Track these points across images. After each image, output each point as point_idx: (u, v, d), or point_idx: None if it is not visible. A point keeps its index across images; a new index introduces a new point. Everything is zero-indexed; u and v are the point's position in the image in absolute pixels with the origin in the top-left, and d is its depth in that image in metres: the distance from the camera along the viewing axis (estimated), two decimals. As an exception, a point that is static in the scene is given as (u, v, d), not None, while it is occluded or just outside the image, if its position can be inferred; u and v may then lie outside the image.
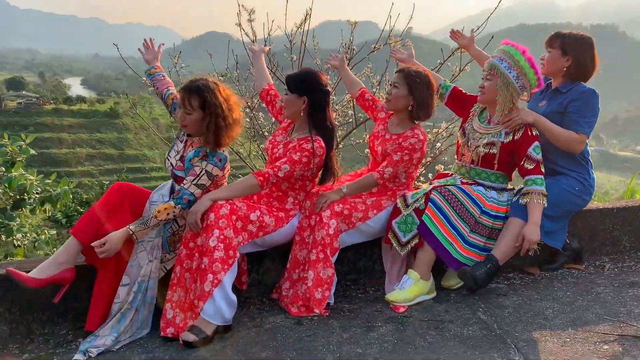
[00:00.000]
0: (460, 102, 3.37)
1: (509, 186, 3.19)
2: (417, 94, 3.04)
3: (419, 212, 2.97)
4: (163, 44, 3.37)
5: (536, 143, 2.97)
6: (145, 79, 3.42)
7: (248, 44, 4.23)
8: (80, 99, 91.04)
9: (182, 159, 2.89)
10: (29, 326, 2.87)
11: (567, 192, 3.10)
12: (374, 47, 4.23)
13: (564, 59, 3.16)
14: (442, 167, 3.94)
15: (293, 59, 4.26)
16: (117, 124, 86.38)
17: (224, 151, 2.87)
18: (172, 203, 2.71)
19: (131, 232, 2.63)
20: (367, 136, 4.30)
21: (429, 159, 4.47)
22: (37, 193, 3.65)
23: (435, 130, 4.47)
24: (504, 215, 3.05)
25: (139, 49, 3.30)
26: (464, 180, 3.14)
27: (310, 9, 4.21)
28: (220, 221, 2.69)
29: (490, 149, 3.05)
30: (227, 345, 2.60)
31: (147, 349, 2.63)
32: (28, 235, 3.74)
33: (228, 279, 2.68)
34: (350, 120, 4.63)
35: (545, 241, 3.05)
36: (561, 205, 3.09)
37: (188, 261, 2.76)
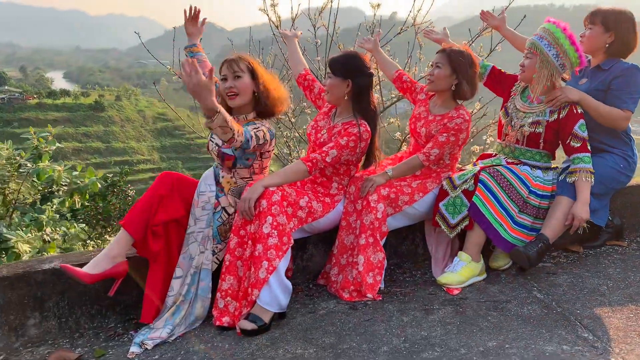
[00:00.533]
0: (499, 82, 3.34)
1: (552, 165, 3.18)
2: (461, 73, 3.00)
3: (468, 193, 2.95)
4: (206, 19, 3.22)
5: (581, 121, 2.96)
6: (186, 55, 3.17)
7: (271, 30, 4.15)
8: (64, 93, 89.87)
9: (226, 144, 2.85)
10: (77, 320, 2.82)
11: (613, 169, 3.10)
12: (401, 29, 4.19)
13: (606, 35, 3.13)
14: (477, 147, 3.93)
15: (318, 44, 4.20)
16: (103, 117, 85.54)
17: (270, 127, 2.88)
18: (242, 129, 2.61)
19: (217, 110, 2.39)
20: (392, 120, 4.27)
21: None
22: (64, 185, 3.58)
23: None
24: (549, 194, 3.04)
25: (184, 12, 3.16)
26: (509, 160, 3.13)
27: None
28: (272, 208, 2.65)
29: (535, 128, 3.03)
30: (286, 331, 2.57)
31: (203, 339, 2.59)
32: (57, 229, 3.67)
33: (283, 265, 2.65)
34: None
35: (591, 219, 3.05)
36: (607, 182, 3.08)
37: (239, 249, 2.72)
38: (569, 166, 3.02)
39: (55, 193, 3.52)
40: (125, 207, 5.78)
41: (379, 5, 4.38)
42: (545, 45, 2.95)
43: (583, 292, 2.74)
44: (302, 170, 2.81)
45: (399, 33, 4.19)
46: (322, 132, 3.02)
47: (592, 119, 3.04)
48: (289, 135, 4.79)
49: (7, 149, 3.60)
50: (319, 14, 4.30)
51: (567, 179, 2.96)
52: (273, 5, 4.16)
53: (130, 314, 2.88)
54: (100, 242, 4.55)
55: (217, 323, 2.66)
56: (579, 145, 2.94)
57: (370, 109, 2.97)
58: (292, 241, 2.69)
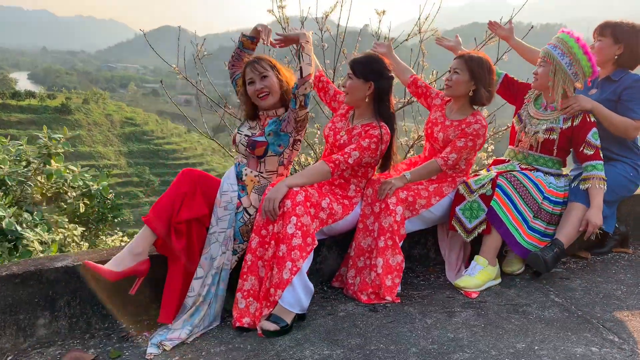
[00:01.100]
0: (512, 90, 3.39)
1: (564, 172, 3.24)
2: (479, 79, 3.04)
3: (485, 198, 2.97)
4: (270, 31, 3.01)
5: (594, 129, 3.03)
6: (240, 41, 2.98)
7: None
8: (30, 94, 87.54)
9: (258, 132, 2.88)
10: (88, 320, 2.73)
11: (623, 177, 3.18)
12: (408, 37, 4.23)
13: (615, 47, 3.22)
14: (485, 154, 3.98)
15: (324, 47, 4.20)
16: (69, 120, 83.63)
17: None
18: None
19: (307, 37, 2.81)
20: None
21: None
22: (73, 187, 3.46)
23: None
24: (562, 200, 3.09)
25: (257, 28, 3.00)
26: (523, 166, 3.17)
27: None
28: (297, 208, 2.63)
29: (550, 134, 3.08)
30: (309, 333, 2.54)
31: (223, 340, 2.54)
32: (59, 230, 3.55)
33: (306, 266, 2.63)
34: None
35: (601, 226, 3.11)
36: (617, 190, 3.16)
37: (261, 249, 2.68)
38: (581, 173, 3.08)
39: (65, 195, 3.41)
40: (104, 211, 5.65)
41: (384, 12, 4.42)
42: (558, 53, 3.01)
43: (599, 296, 2.79)
44: (325, 170, 2.79)
45: (406, 40, 4.23)
46: (340, 134, 3.01)
47: (603, 128, 3.11)
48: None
49: (18, 146, 3.49)
50: (325, 18, 4.30)
51: (581, 186, 3.02)
52: (281, 7, 4.15)
53: (143, 314, 2.81)
54: (89, 244, 4.43)
55: (237, 324, 2.61)
56: (592, 153, 3.01)
57: (390, 112, 2.98)
58: (317, 242, 2.67)
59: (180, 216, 2.59)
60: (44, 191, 3.37)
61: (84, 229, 3.75)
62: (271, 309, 2.58)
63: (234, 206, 2.73)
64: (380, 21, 4.36)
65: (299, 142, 2.94)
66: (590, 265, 3.25)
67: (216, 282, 2.68)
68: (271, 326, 2.52)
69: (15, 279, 2.57)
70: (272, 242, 2.64)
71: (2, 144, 3.76)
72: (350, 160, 2.82)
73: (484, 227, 2.97)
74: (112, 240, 4.26)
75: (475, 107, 3.15)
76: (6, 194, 3.46)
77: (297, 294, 2.58)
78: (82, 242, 3.84)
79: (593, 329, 2.44)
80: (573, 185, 3.09)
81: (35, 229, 3.45)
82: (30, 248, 2.83)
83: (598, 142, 3.02)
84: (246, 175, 2.84)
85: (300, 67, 2.72)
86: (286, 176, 2.96)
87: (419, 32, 4.27)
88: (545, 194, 3.05)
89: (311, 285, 2.65)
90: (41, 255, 3.46)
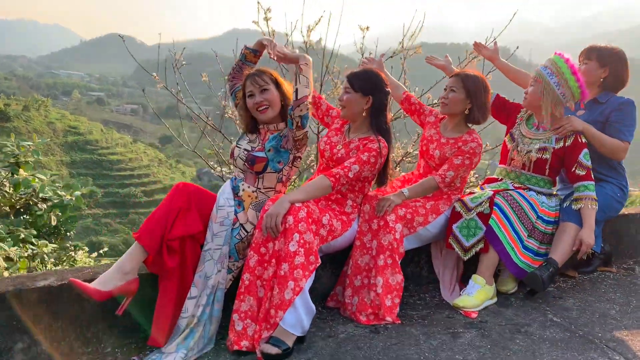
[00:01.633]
0: (504, 109, 3.42)
1: (554, 192, 3.28)
2: (475, 97, 3.04)
3: (483, 216, 2.96)
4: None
5: (585, 150, 3.08)
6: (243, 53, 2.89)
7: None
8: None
9: (258, 147, 2.78)
10: (70, 345, 2.53)
11: (611, 197, 3.25)
12: (393, 54, 4.22)
13: (601, 70, 3.31)
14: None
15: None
16: (7, 128, 79.94)
17: None
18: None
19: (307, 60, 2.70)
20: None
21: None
22: (43, 199, 3.22)
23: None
24: (554, 220, 3.12)
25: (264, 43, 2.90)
26: (516, 185, 3.19)
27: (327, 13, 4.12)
28: (299, 225, 2.53)
29: (543, 154, 3.12)
30: (311, 357, 2.44)
31: (221, 364, 2.40)
32: (26, 246, 3.28)
33: (308, 286, 2.53)
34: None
35: (589, 245, 3.16)
36: (605, 210, 3.22)
37: (260, 268, 2.56)
38: (571, 193, 3.12)
39: (34, 206, 3.16)
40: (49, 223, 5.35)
41: (367, 28, 4.41)
42: (547, 73, 3.06)
43: (595, 315, 2.81)
44: (326, 185, 2.71)
45: (391, 57, 4.22)
46: (337, 148, 2.95)
47: (592, 149, 3.17)
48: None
49: None
50: (309, 32, 4.25)
51: (573, 206, 3.05)
52: (266, 19, 4.06)
53: (130, 337, 2.63)
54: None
55: (235, 347, 2.47)
56: (584, 173, 3.05)
57: (387, 126, 2.94)
58: (320, 261, 2.57)
59: (174, 233, 2.44)
60: (13, 201, 3.12)
61: (56, 245, 3.50)
62: (271, 332, 2.46)
63: (230, 222, 2.60)
64: (363, 37, 4.34)
65: (299, 159, 2.85)
66: (580, 284, 3.29)
67: (211, 302, 2.54)
68: (272, 349, 2.40)
69: (-8, 301, 2.35)
70: (273, 260, 2.53)
71: None
72: (350, 174, 2.75)
73: (481, 245, 2.96)
74: (80, 257, 4.01)
75: (470, 126, 3.15)
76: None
77: (299, 315, 2.48)
78: (48, 260, 3.58)
79: (598, 349, 2.45)
80: (565, 205, 3.12)
81: (1, 244, 3.20)
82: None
83: (589, 163, 3.07)
84: (243, 190, 2.73)
85: (296, 89, 2.64)
86: (284, 193, 2.86)
87: (402, 50, 4.27)
88: (539, 214, 3.07)
89: (313, 306, 2.55)
90: (6, 274, 3.21)
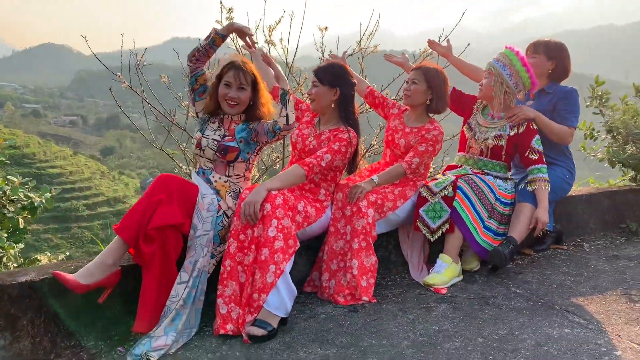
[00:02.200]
0: (460, 102, 3.63)
1: (509, 176, 3.51)
2: (435, 88, 3.24)
3: (447, 199, 3.15)
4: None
5: (537, 136, 3.32)
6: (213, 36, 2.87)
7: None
8: None
9: (227, 136, 2.85)
10: (53, 339, 2.53)
11: (561, 179, 3.51)
12: (349, 55, 4.38)
13: (549, 63, 3.58)
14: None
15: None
16: None
17: None
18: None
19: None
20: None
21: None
22: (12, 200, 3.16)
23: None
24: (510, 202, 3.35)
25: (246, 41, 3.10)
26: (475, 170, 3.40)
27: (289, 13, 4.24)
28: (277, 211, 2.63)
29: (498, 141, 3.34)
30: (296, 336, 2.54)
31: (208, 349, 2.46)
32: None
33: (289, 268, 2.63)
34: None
35: (543, 224, 3.40)
36: (557, 191, 3.47)
37: (240, 254, 2.65)
38: (526, 176, 3.36)
39: (3, 209, 3.10)
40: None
41: (326, 28, 4.56)
42: (500, 66, 3.30)
43: (553, 286, 3.04)
44: (300, 174, 2.83)
45: (351, 55, 4.38)
46: (309, 139, 3.07)
47: (542, 135, 3.42)
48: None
49: None
50: (270, 32, 4.35)
51: (528, 188, 3.29)
52: (229, 19, 4.14)
53: (113, 330, 2.65)
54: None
55: (221, 331, 2.54)
56: (536, 157, 3.29)
57: (355, 116, 3.08)
58: (298, 244, 2.68)
59: (153, 223, 2.48)
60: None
61: (22, 246, 3.45)
62: (255, 315, 2.55)
63: (215, 208, 2.68)
64: (323, 37, 4.48)
65: (262, 148, 2.96)
66: (536, 260, 3.53)
67: (197, 284, 2.60)
68: (258, 331, 2.48)
69: (-28, 297, 2.34)
70: (252, 246, 2.62)
71: None
72: (323, 163, 2.88)
73: (447, 226, 3.14)
74: (44, 261, 3.93)
75: (431, 115, 3.34)
76: None
77: (282, 297, 2.57)
78: (9, 263, 3.51)
79: (559, 314, 2.66)
80: (520, 187, 3.36)
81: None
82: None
83: (541, 148, 3.31)
84: (216, 181, 2.81)
85: (287, 114, 2.77)
86: (249, 179, 2.96)
87: (360, 49, 4.43)
88: (497, 196, 3.29)
89: (294, 288, 2.65)
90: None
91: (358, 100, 4.01)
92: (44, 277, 2.51)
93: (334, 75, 3.04)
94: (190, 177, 2.99)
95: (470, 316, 2.66)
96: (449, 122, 4.02)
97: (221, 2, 4.14)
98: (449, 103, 3.36)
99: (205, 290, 2.66)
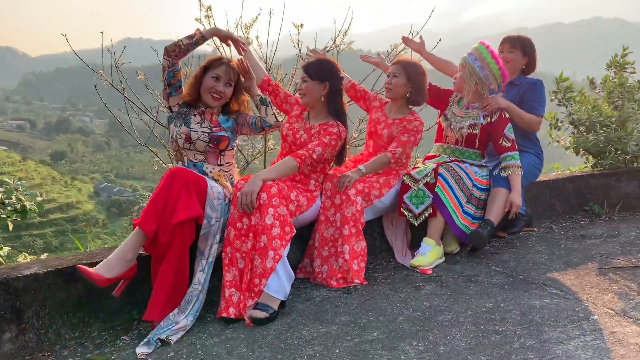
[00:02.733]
0: (436, 95, 3.82)
1: (483, 163, 3.73)
2: (415, 81, 3.42)
3: (429, 186, 3.33)
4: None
5: (509, 124, 3.55)
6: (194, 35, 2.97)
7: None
8: None
9: (214, 127, 2.99)
10: (57, 331, 2.59)
11: (531, 165, 3.75)
12: (326, 51, 4.53)
13: (524, 58, 3.83)
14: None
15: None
16: None
17: None
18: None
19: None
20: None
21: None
22: (2, 203, 3.15)
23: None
24: (486, 187, 3.56)
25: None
26: (452, 159, 3.60)
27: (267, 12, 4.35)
28: (273, 200, 2.75)
29: (473, 130, 3.55)
30: (296, 317, 2.66)
31: (212, 333, 2.56)
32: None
33: (286, 254, 2.75)
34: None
35: (516, 208, 3.64)
36: (527, 176, 3.71)
37: (238, 241, 2.76)
38: (499, 163, 3.58)
39: (-2, 212, 3.09)
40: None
41: (302, 25, 4.68)
42: (472, 59, 3.51)
43: (529, 264, 3.27)
44: (293, 165, 2.96)
45: (328, 51, 4.52)
46: (300, 133, 3.19)
47: (513, 124, 3.65)
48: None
49: None
50: (247, 29, 4.45)
51: (502, 173, 3.51)
52: (208, 17, 4.22)
53: (115, 320, 2.72)
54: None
55: (224, 314, 2.65)
56: (509, 145, 3.52)
57: (343, 110, 3.23)
58: (295, 230, 2.81)
59: (177, 217, 2.56)
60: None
61: (9, 248, 3.43)
62: (256, 299, 2.67)
63: (222, 196, 2.81)
64: (299, 33, 4.61)
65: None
66: (510, 242, 3.76)
67: (211, 270, 2.74)
68: (261, 314, 2.60)
69: (-22, 291, 2.37)
70: (250, 234, 2.73)
71: None
72: (314, 156, 3.01)
73: (430, 211, 3.33)
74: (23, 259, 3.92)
75: (411, 107, 3.52)
76: None
77: (281, 281, 2.70)
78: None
79: (538, 287, 2.88)
80: (495, 173, 3.58)
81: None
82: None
83: (513, 136, 3.54)
84: (211, 171, 2.91)
85: (274, 114, 3.09)
86: (233, 165, 3.09)
87: (335, 45, 4.58)
88: (474, 182, 3.49)
89: (292, 272, 2.79)
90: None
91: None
92: (49, 269, 2.56)
93: (323, 71, 3.17)
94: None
95: (457, 292, 2.85)
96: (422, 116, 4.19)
97: (200, 0, 4.21)
98: (427, 95, 3.54)
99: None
